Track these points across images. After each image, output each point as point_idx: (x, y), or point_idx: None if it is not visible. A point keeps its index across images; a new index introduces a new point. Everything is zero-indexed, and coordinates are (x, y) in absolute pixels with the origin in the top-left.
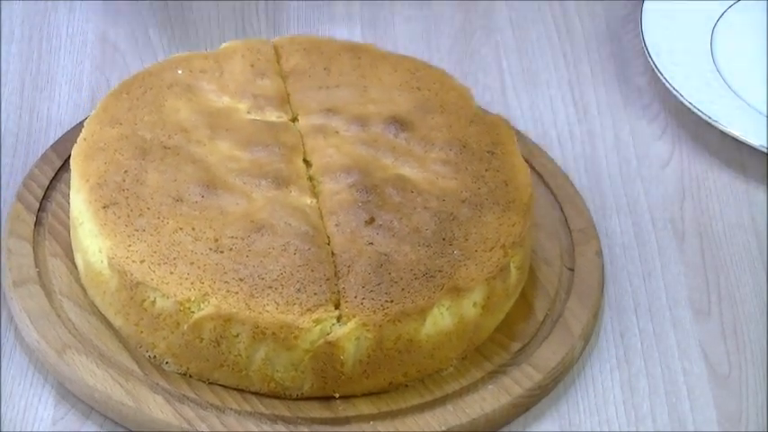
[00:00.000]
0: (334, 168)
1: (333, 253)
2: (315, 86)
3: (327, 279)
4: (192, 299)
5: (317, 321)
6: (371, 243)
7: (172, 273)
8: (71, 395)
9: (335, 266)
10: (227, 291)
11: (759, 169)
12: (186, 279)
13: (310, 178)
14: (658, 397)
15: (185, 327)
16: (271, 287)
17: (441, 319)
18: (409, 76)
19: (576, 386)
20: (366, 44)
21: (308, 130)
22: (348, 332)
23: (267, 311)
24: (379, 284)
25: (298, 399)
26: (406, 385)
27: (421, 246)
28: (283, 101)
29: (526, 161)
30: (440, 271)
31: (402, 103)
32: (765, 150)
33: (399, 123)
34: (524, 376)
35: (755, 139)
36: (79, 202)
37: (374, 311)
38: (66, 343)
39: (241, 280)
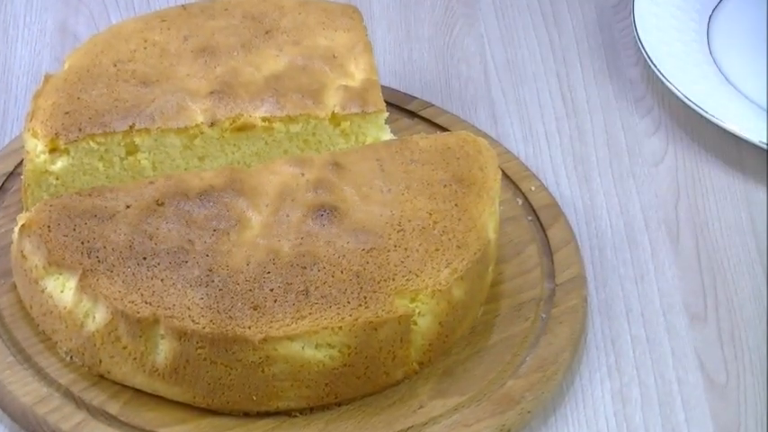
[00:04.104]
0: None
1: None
2: None
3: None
4: None
5: None
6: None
7: None
8: None
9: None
10: None
11: (758, 167)
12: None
13: None
14: (651, 408)
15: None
16: None
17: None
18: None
19: (564, 397)
20: None
21: None
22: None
23: None
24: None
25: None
26: (382, 397)
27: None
28: None
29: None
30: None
31: None
32: (765, 147)
33: None
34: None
35: (754, 135)
36: None
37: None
38: None
39: None
